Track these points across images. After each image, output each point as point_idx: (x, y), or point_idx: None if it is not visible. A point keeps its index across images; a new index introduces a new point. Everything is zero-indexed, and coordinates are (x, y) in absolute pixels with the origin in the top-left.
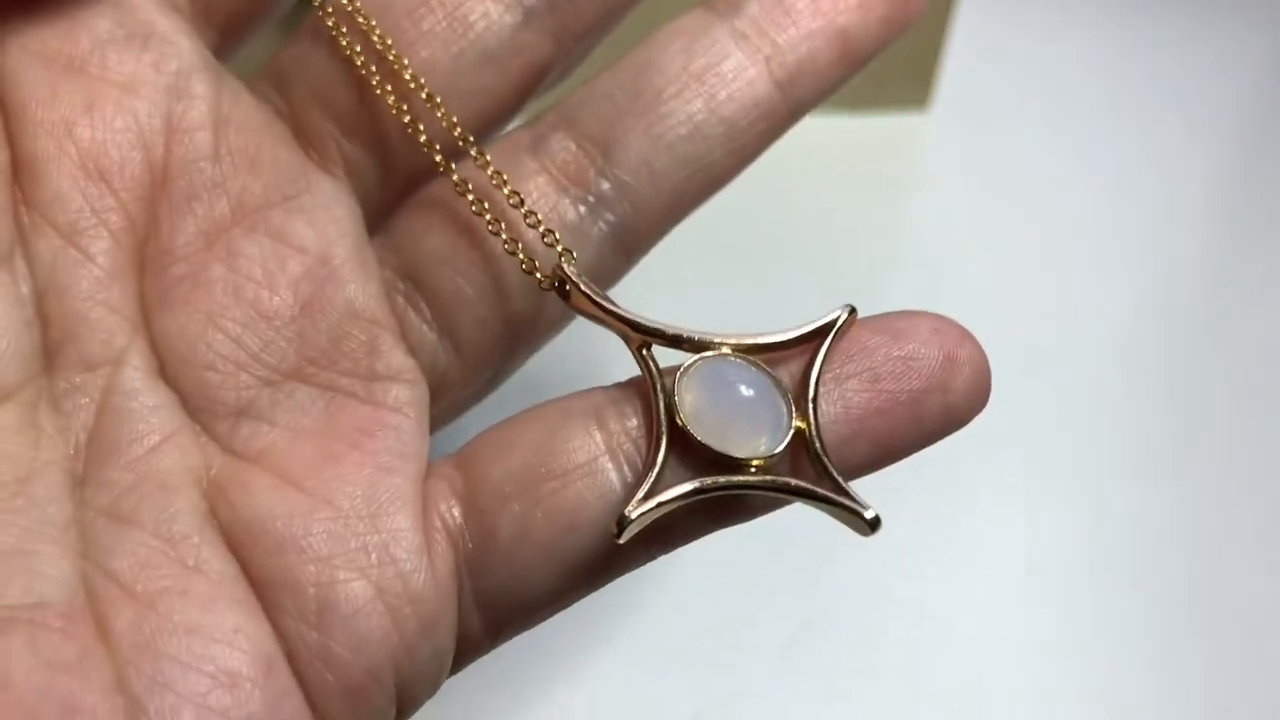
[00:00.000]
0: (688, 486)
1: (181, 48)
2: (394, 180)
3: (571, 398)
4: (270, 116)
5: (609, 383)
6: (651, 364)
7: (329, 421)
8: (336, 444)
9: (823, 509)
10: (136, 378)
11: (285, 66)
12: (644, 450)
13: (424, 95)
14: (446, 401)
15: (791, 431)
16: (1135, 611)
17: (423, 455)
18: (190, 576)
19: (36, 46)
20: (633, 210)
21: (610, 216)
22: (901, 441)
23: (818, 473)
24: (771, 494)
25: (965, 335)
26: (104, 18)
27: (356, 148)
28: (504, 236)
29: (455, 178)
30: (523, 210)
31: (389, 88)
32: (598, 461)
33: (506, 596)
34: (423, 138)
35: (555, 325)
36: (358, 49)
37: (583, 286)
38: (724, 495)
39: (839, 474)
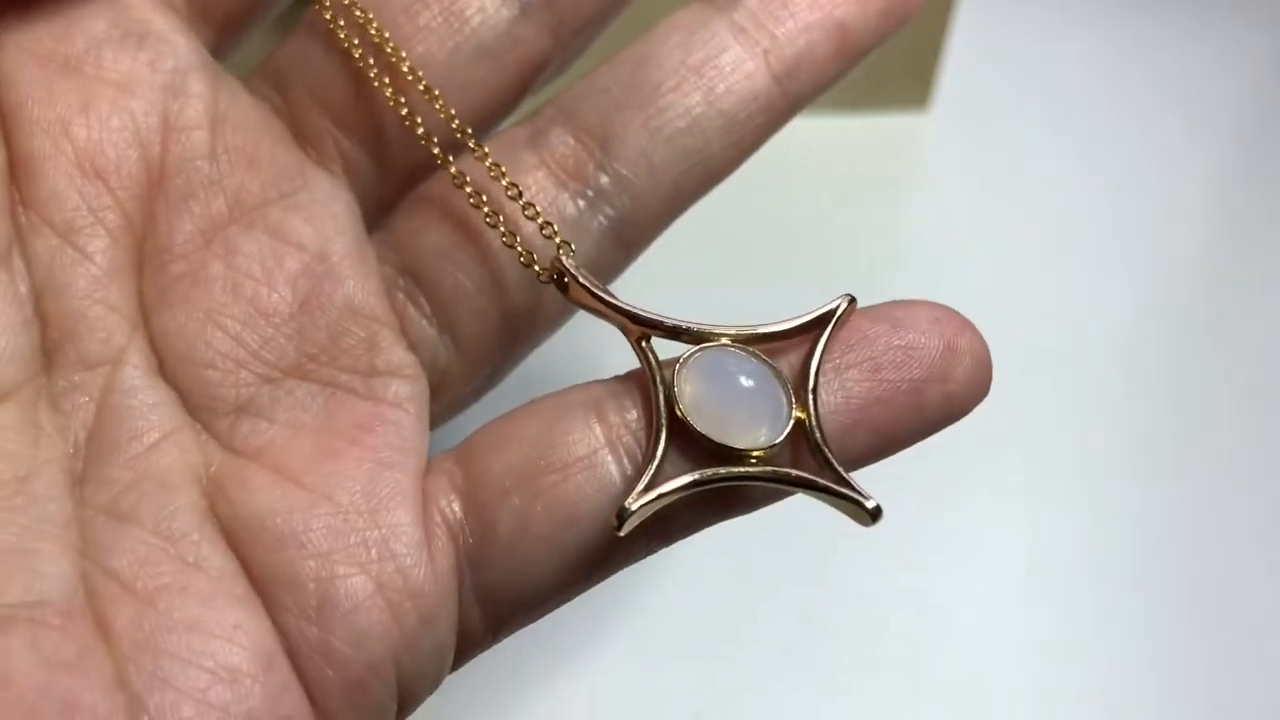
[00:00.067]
0: (688, 478)
1: (178, 46)
2: (392, 177)
3: (570, 391)
4: (267, 114)
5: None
6: (651, 356)
7: (329, 418)
8: (336, 440)
9: (824, 499)
10: (136, 376)
11: (282, 64)
12: (644, 442)
13: (421, 88)
14: (447, 398)
15: (792, 422)
16: (1136, 608)
17: (423, 451)
18: (190, 573)
19: (32, 46)
20: (632, 204)
21: (609, 210)
22: (902, 431)
23: (819, 463)
24: (772, 485)
25: (965, 324)
26: (99, 17)
27: (354, 145)
28: (502, 229)
29: (453, 170)
30: (521, 202)
31: (386, 81)
32: (597, 454)
33: (507, 590)
34: (420, 130)
35: (554, 320)
36: (355, 42)
37: (581, 279)
38: (724, 486)
39: (840, 464)
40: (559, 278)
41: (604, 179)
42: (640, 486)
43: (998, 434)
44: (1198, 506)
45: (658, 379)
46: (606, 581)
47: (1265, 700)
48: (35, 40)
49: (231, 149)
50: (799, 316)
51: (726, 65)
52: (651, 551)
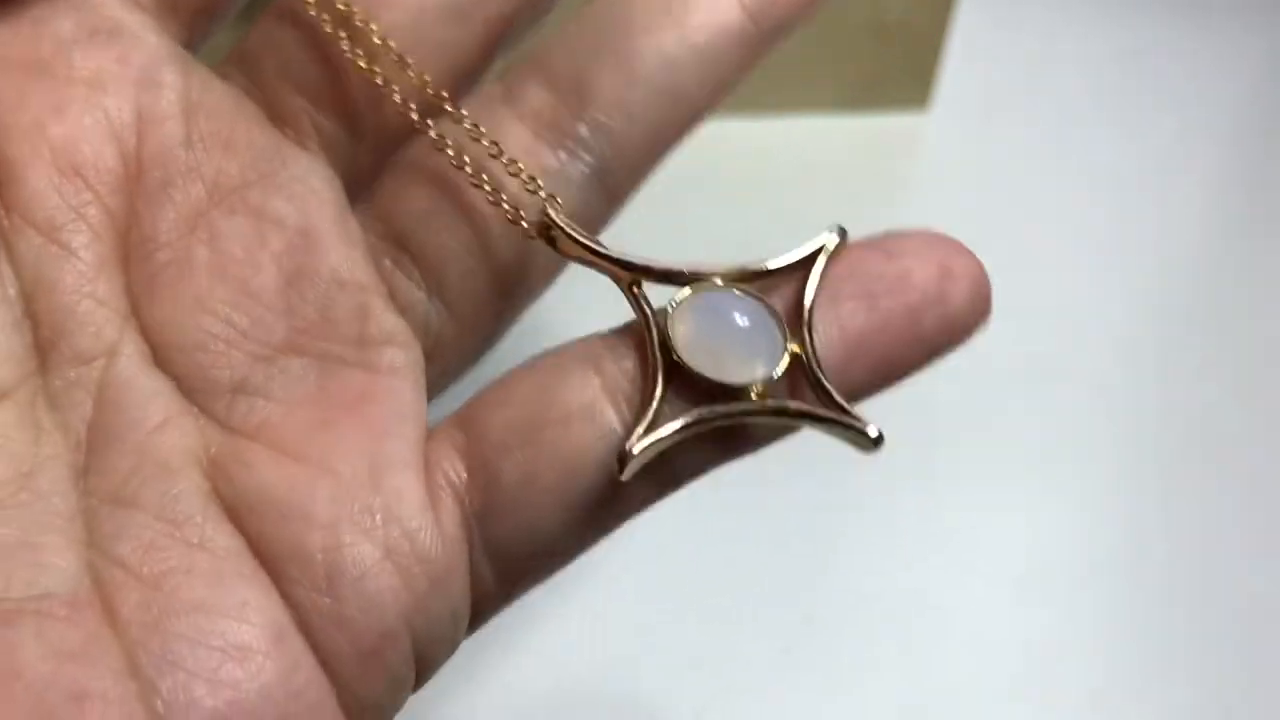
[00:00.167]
0: (687, 418)
1: (147, 41)
2: (369, 147)
3: (566, 347)
4: (241, 98)
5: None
6: (644, 302)
7: (324, 390)
8: (333, 411)
9: (825, 430)
10: (130, 367)
11: (253, 48)
12: (642, 389)
13: (393, 53)
14: (442, 363)
15: (788, 355)
16: (1135, 609)
17: (421, 416)
18: (195, 555)
19: (1, 52)
20: (612, 151)
21: (590, 159)
22: (902, 359)
23: (818, 398)
24: (772, 419)
25: (959, 247)
26: (66, 19)
27: (329, 119)
28: (487, 188)
29: (433, 134)
30: (503, 160)
31: (360, 52)
32: (596, 404)
33: (516, 545)
34: (396, 97)
35: (545, 278)
36: (325, 17)
37: (569, 230)
38: (724, 425)
39: (840, 396)
40: (547, 231)
41: (582, 128)
42: (640, 429)
43: (997, 434)
44: (1197, 507)
45: (652, 324)
46: (606, 581)
47: (1265, 700)
48: (3, 45)
49: (207, 135)
50: (791, 253)
51: (696, 1)
52: (660, 497)
